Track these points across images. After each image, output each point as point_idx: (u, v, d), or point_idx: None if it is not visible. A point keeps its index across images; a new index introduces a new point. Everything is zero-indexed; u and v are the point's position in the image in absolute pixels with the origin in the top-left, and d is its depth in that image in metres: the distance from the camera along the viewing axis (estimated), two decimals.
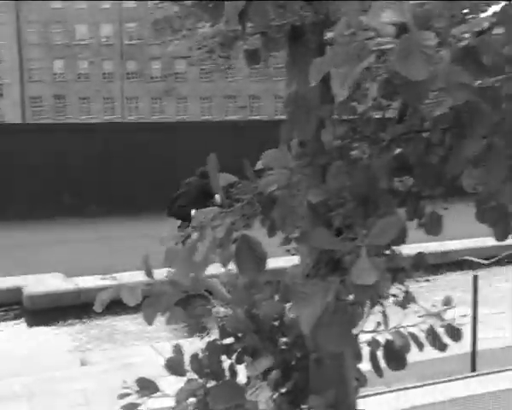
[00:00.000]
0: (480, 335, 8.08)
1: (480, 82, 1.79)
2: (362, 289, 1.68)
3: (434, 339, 2.34)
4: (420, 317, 2.29)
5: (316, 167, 1.99)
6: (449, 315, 2.31)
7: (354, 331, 2.37)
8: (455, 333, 2.27)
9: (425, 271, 2.21)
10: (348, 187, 1.89)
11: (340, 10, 1.80)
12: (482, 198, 2.03)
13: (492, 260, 7.69)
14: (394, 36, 1.60)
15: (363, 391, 2.53)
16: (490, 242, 14.27)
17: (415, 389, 6.95)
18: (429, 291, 12.61)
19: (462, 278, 10.94)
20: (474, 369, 7.58)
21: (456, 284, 12.30)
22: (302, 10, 1.93)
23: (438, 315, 2.25)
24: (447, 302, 2.37)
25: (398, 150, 2.04)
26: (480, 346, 7.97)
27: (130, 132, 22.48)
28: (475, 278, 7.65)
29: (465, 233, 13.06)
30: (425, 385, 7.03)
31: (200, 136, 20.77)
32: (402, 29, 1.60)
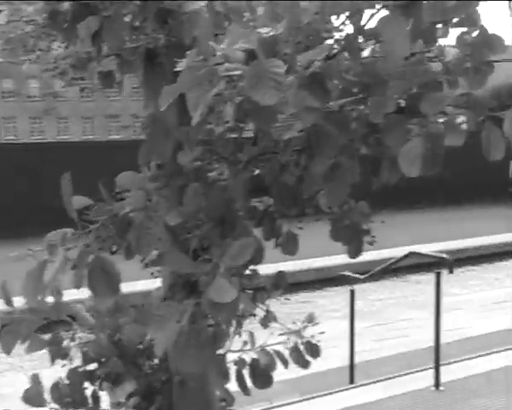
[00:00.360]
0: (357, 348, 8.32)
1: (332, 104, 1.86)
2: (218, 308, 1.68)
3: (298, 356, 2.38)
4: (281, 335, 2.33)
5: (173, 189, 1.99)
6: (311, 331, 2.36)
7: (220, 351, 2.39)
8: (314, 350, 2.32)
9: (285, 290, 2.25)
10: (205, 208, 1.90)
11: (192, 34, 1.83)
12: (337, 217, 2.10)
13: (368, 275, 7.93)
14: (243, 62, 1.63)
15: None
16: (366, 257, 14.77)
17: (295, 403, 7.05)
18: (307, 307, 12.89)
19: (340, 293, 11.24)
20: (352, 381, 7.78)
21: (333, 299, 12.65)
22: (155, 33, 1.93)
23: (297, 333, 2.29)
24: (310, 319, 2.42)
25: (256, 171, 2.07)
26: (358, 358, 8.20)
27: (7, 153, 21.69)
28: (352, 293, 7.86)
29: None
30: (305, 399, 7.15)
31: (81, 156, 20.32)
32: (251, 55, 1.64)
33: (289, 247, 2.12)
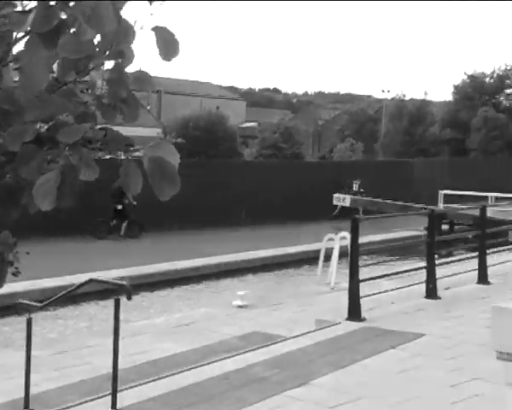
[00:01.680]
0: (37, 378, 8.03)
1: None
2: None
3: None
4: None
5: None
6: None
7: None
8: None
9: None
10: None
11: None
12: None
13: (47, 302, 7.69)
14: None
15: None
16: (46, 283, 14.35)
17: None
18: None
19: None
20: None
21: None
22: None
23: None
24: None
25: None
26: (37, 389, 7.93)
27: None
28: (29, 321, 7.56)
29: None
30: None
31: None
32: None
33: None
